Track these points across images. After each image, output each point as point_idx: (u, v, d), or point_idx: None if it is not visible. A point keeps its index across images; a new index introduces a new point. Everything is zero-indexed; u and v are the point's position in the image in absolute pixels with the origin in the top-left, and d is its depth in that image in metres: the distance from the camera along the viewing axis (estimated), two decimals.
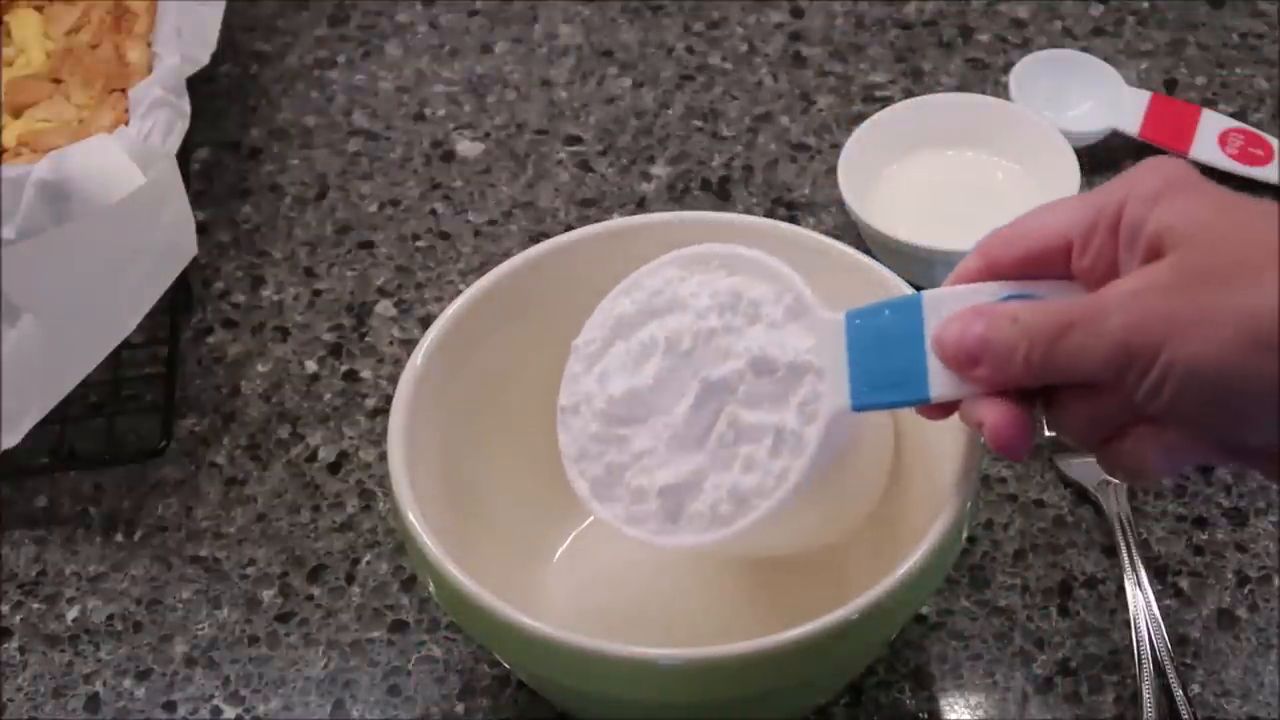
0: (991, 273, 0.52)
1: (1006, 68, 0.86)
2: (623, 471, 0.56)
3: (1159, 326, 0.46)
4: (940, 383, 0.50)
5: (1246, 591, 0.67)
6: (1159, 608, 0.64)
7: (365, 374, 0.77)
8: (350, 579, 0.69)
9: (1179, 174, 0.49)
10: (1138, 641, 0.63)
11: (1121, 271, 0.49)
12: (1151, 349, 0.46)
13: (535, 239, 0.80)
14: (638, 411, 0.56)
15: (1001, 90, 0.86)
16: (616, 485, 0.56)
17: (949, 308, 0.51)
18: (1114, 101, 0.84)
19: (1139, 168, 0.50)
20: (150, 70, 0.76)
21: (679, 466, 0.55)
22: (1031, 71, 0.85)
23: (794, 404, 0.53)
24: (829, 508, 0.57)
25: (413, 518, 0.56)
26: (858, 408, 0.52)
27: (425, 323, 0.78)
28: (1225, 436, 0.48)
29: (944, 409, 0.53)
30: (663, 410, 0.55)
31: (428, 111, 0.89)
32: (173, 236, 0.70)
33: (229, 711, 0.65)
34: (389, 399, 0.61)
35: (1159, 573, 0.67)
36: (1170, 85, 0.88)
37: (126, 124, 0.72)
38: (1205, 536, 0.68)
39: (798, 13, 0.93)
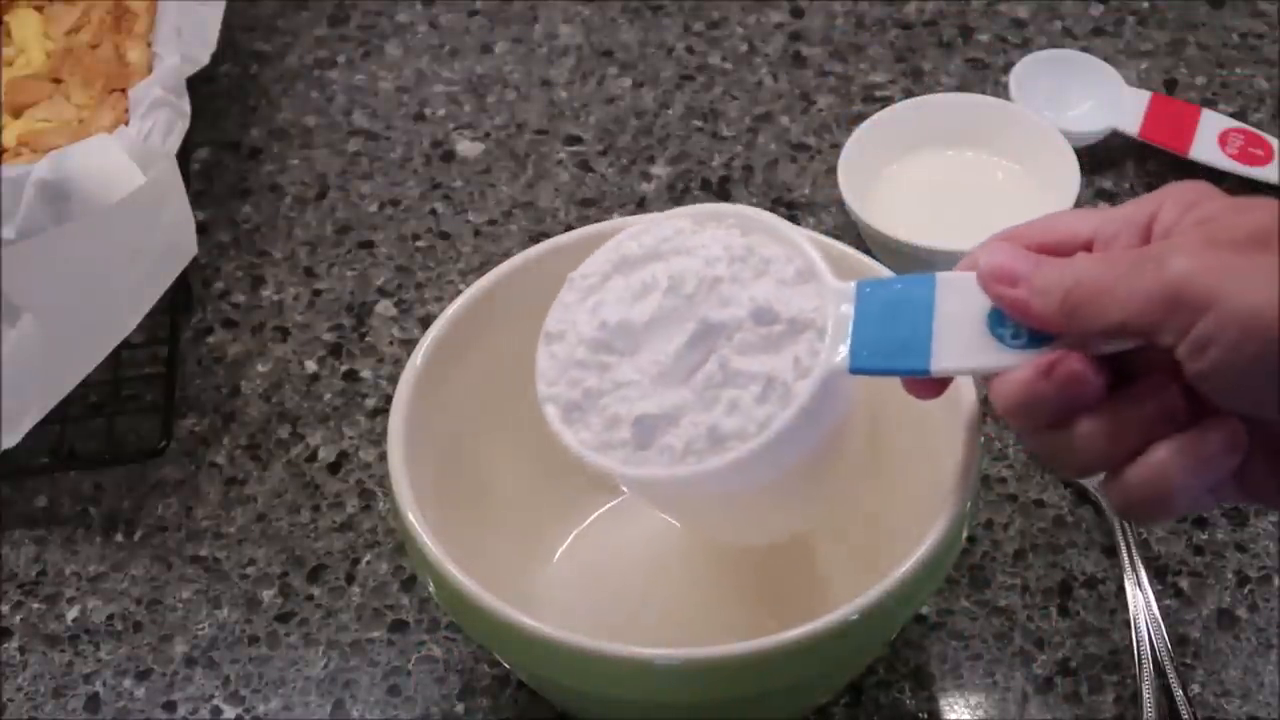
0: None
1: (1006, 68, 0.86)
2: (599, 397, 0.54)
3: (1216, 276, 0.44)
4: (942, 355, 0.50)
5: (1246, 591, 0.67)
6: (1159, 608, 0.64)
7: (365, 374, 0.77)
8: (350, 579, 0.69)
9: (1210, 190, 0.49)
10: (1138, 641, 0.63)
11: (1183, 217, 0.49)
12: (1204, 298, 0.44)
13: (535, 239, 0.80)
14: (627, 344, 0.55)
15: (1001, 90, 0.86)
16: (590, 412, 0.54)
17: (963, 289, 0.50)
18: (1114, 101, 0.84)
19: (1168, 187, 0.50)
20: (150, 70, 0.76)
21: (660, 400, 0.53)
22: (1031, 71, 0.85)
23: (790, 356, 0.52)
24: (803, 490, 0.57)
25: (413, 518, 0.56)
26: (855, 370, 0.51)
27: (425, 323, 0.78)
28: (1259, 411, 0.46)
29: (935, 386, 0.52)
30: (653, 348, 0.54)
31: (428, 111, 0.89)
32: (173, 236, 0.70)
33: (229, 711, 0.65)
34: (389, 399, 0.61)
35: (1159, 573, 0.67)
36: (1170, 85, 0.88)
37: (126, 124, 0.72)
38: (1205, 536, 0.68)
39: (798, 13, 0.93)
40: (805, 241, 0.54)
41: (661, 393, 0.53)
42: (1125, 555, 0.66)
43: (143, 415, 0.75)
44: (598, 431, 0.54)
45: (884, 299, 0.52)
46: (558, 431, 0.55)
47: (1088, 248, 0.50)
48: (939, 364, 0.50)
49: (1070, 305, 0.47)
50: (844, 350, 0.51)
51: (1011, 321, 0.49)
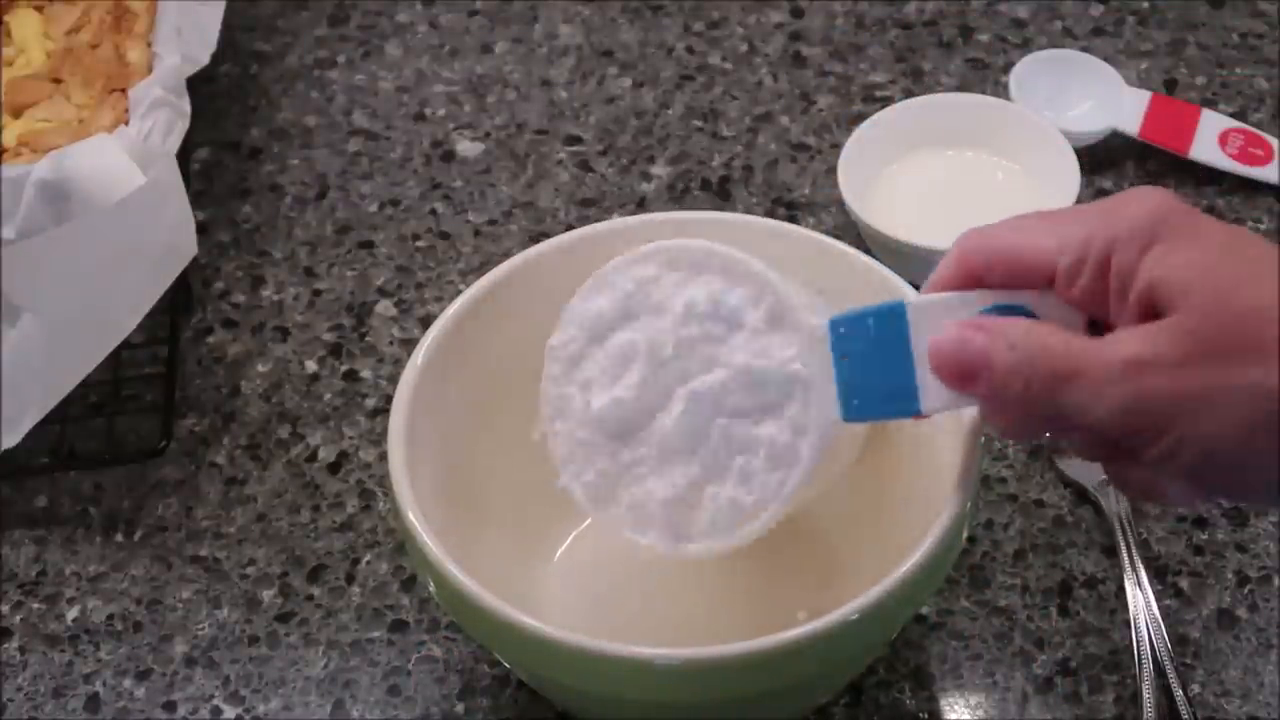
0: (971, 283, 0.51)
1: (1006, 68, 0.86)
2: (616, 480, 0.56)
3: (1167, 405, 0.45)
4: (931, 396, 0.50)
5: (1246, 591, 0.67)
6: (1159, 608, 0.64)
7: (365, 374, 0.77)
8: (350, 579, 0.69)
9: (1166, 210, 0.47)
10: (1138, 641, 0.63)
11: (1113, 314, 0.47)
12: (1158, 425, 0.45)
13: (535, 239, 0.80)
14: (624, 423, 0.56)
15: (1001, 90, 0.86)
16: (615, 490, 0.57)
17: (935, 318, 0.50)
18: (1114, 101, 0.84)
19: (1126, 200, 0.48)
20: (150, 70, 0.76)
21: (674, 477, 0.55)
22: (1031, 71, 0.85)
23: (785, 417, 0.53)
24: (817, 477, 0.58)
25: (413, 518, 0.56)
26: (849, 419, 0.52)
27: (425, 323, 0.78)
28: (1236, 497, 0.48)
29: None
30: (648, 418, 0.56)
31: (428, 111, 0.89)
32: (173, 236, 0.70)
33: (229, 711, 0.65)
34: (389, 399, 0.61)
35: (1159, 573, 0.67)
36: (1170, 85, 0.88)
37: (126, 124, 0.72)
38: (1205, 536, 0.68)
39: (798, 13, 0.93)
40: (769, 273, 0.54)
41: (671, 468, 0.55)
42: (1125, 555, 0.66)
43: (143, 415, 0.75)
44: (625, 511, 0.56)
45: (859, 339, 0.52)
46: (592, 515, 0.57)
47: (1051, 273, 0.49)
48: (929, 404, 0.51)
49: (1034, 405, 0.48)
50: (834, 400, 0.52)
51: None
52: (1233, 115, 0.85)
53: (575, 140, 0.87)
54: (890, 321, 0.51)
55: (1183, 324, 0.45)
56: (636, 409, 0.56)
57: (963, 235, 0.52)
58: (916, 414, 0.51)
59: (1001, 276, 0.50)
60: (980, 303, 0.50)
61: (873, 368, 0.51)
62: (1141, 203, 0.47)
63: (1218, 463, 0.45)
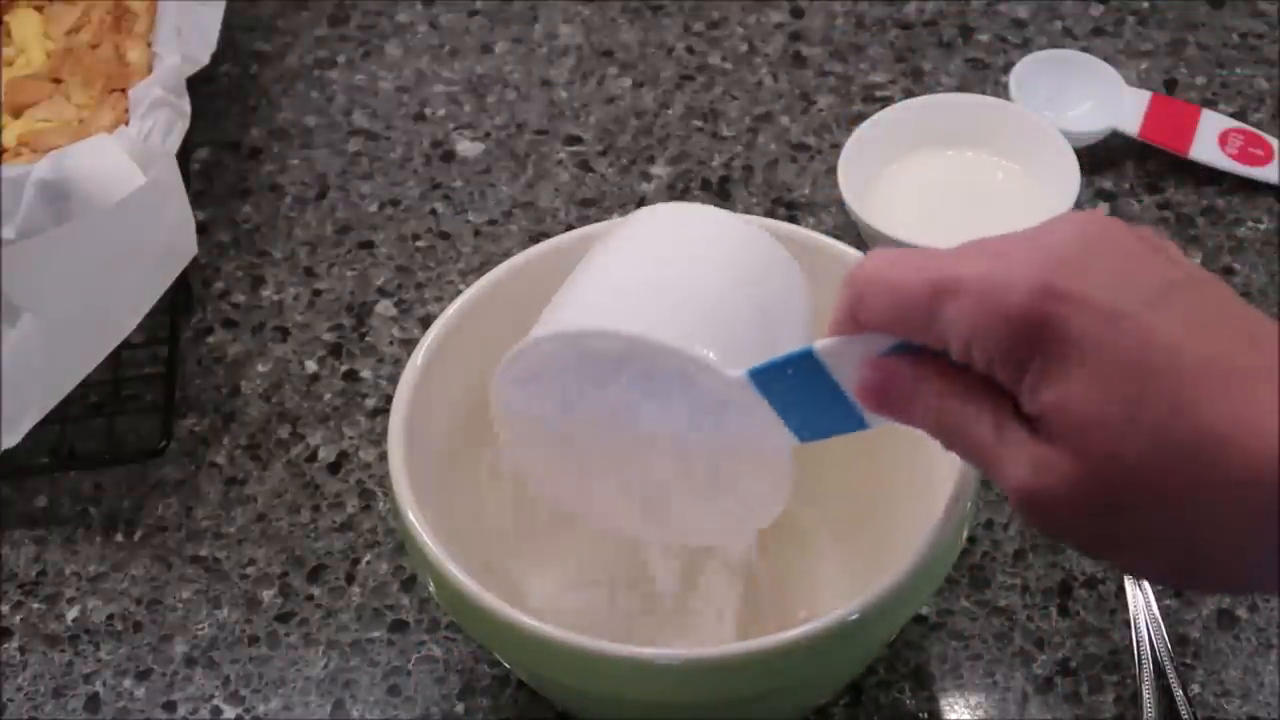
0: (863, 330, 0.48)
1: (1006, 68, 0.86)
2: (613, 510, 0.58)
3: (1065, 535, 0.44)
4: (877, 417, 0.50)
5: None
6: (1159, 608, 0.64)
7: (365, 374, 0.77)
8: (350, 579, 0.69)
9: (1040, 314, 0.42)
10: (1138, 641, 0.63)
11: (1014, 389, 0.44)
12: (1061, 541, 0.46)
13: (535, 239, 0.80)
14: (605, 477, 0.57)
15: (1001, 90, 0.86)
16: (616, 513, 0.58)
17: (852, 355, 0.48)
18: (1114, 101, 0.84)
19: (1009, 280, 0.43)
20: (150, 70, 0.76)
21: (675, 513, 0.57)
22: (1031, 71, 0.85)
23: (749, 459, 0.53)
24: None
25: (413, 518, 0.56)
26: (805, 441, 0.52)
27: (425, 323, 0.78)
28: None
29: None
30: (628, 475, 0.56)
31: (428, 111, 0.89)
32: (173, 236, 0.70)
33: (229, 711, 0.65)
34: (389, 399, 0.61)
35: None
36: (1170, 85, 0.88)
37: (126, 124, 0.72)
38: None
39: (798, 13, 0.93)
40: (665, 339, 0.52)
41: (671, 502, 0.57)
42: None
43: (143, 415, 0.75)
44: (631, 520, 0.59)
45: (784, 386, 0.50)
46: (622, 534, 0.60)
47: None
48: (876, 421, 0.50)
49: (939, 435, 0.47)
50: (784, 430, 0.51)
51: None
52: (1233, 115, 0.85)
53: (575, 140, 0.87)
54: (807, 365, 0.49)
55: (1064, 467, 0.42)
56: (613, 475, 0.56)
57: (854, 280, 0.47)
58: (867, 428, 0.50)
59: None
60: (884, 343, 0.48)
61: (810, 404, 0.50)
62: (1013, 297, 0.43)
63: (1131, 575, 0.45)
